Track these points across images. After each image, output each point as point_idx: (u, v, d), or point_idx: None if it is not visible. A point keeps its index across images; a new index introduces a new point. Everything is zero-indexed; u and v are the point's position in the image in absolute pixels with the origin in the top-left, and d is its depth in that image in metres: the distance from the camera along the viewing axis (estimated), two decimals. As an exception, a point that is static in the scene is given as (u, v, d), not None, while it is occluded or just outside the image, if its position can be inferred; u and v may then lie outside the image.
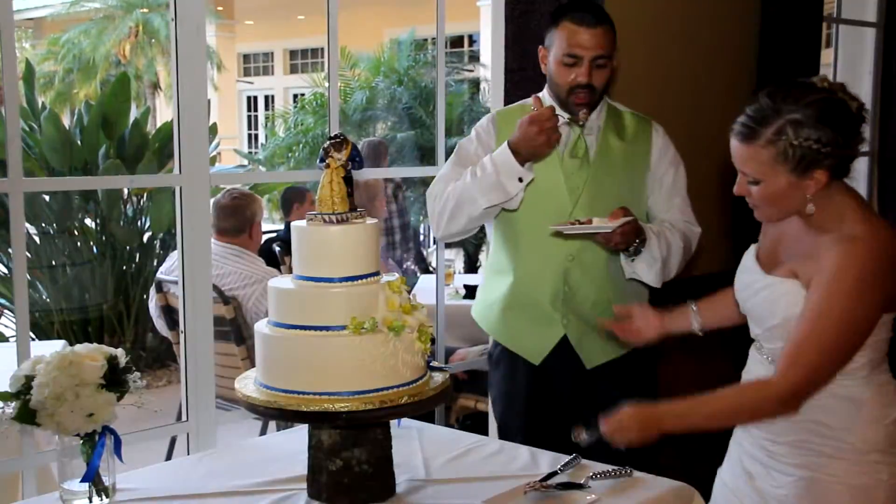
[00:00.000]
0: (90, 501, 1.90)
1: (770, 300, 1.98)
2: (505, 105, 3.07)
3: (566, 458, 2.09)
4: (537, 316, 2.55)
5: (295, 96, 19.09)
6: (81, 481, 1.89)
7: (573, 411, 2.42)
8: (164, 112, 17.25)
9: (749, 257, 2.09)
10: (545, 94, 2.56)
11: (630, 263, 2.46)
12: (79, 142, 6.86)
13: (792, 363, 1.86)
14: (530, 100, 2.46)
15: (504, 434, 2.65)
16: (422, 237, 8.99)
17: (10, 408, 1.87)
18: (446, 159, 3.20)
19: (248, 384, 1.94)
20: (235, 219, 4.05)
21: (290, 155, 10.84)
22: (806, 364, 1.85)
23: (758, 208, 1.97)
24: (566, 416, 2.35)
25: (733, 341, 2.34)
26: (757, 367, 2.06)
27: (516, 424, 2.62)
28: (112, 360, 1.91)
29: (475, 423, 4.03)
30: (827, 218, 1.90)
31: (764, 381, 1.94)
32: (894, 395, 2.00)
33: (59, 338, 6.10)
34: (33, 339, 4.43)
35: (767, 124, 1.86)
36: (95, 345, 1.94)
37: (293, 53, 21.43)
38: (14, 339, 4.09)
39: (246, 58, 22.34)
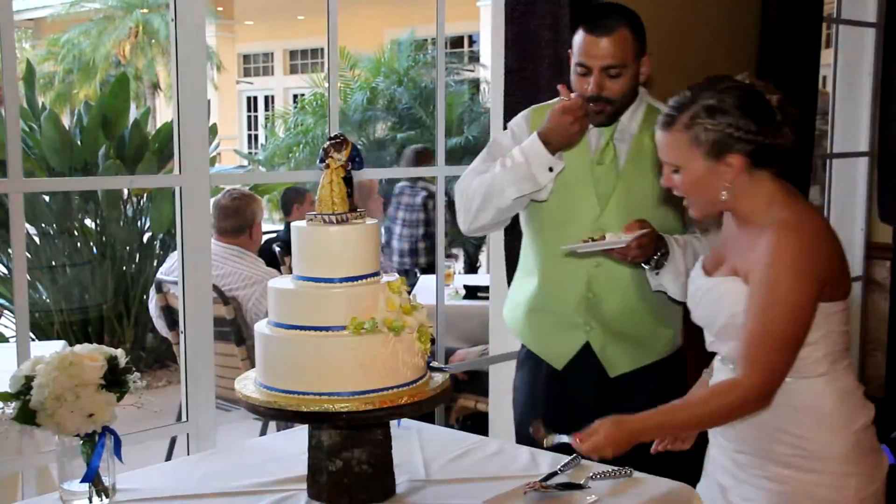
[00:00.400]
0: (90, 502, 1.90)
1: (713, 301, 2.00)
2: (505, 105, 3.07)
3: (566, 458, 2.09)
4: (561, 321, 2.51)
5: (295, 97, 19.10)
6: (81, 482, 1.89)
7: (593, 419, 2.36)
8: (163, 112, 17.26)
9: (696, 268, 2.12)
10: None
11: (654, 276, 2.38)
12: (79, 142, 6.86)
13: (751, 361, 1.86)
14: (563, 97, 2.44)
15: (522, 438, 2.57)
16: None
17: (10, 408, 1.87)
18: (446, 160, 3.21)
19: (248, 384, 1.94)
20: (235, 219, 4.05)
21: (290, 155, 10.84)
22: (763, 359, 1.86)
23: (688, 202, 2.00)
24: (586, 423, 2.28)
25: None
26: (722, 377, 2.05)
27: None
28: (112, 361, 1.91)
29: (475, 424, 4.03)
30: (755, 209, 1.94)
31: (730, 383, 1.91)
32: (860, 401, 1.99)
33: (59, 338, 6.10)
34: (33, 340, 4.43)
35: (684, 111, 1.91)
36: (95, 345, 1.93)
37: (293, 54, 21.43)
38: (14, 339, 4.08)
39: (246, 58, 22.35)
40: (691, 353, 2.37)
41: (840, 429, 1.94)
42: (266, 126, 16.95)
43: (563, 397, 2.53)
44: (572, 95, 2.39)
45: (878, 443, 2.01)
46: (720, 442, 2.07)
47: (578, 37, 2.37)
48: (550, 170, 2.37)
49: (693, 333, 2.24)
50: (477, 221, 2.49)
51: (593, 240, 2.27)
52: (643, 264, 2.35)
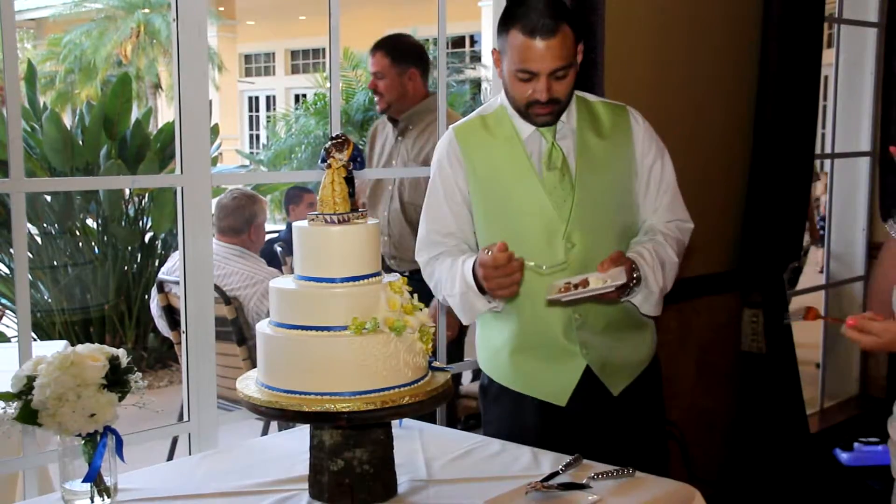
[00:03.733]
0: (92, 502, 1.90)
1: None
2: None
3: (568, 458, 2.09)
4: (553, 353, 2.35)
5: (296, 97, 19.11)
6: (83, 481, 1.89)
7: (597, 443, 2.27)
8: (165, 112, 17.28)
9: None
10: (503, 101, 2.37)
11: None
12: (80, 142, 6.88)
13: None
14: (488, 109, 2.37)
15: None
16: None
17: (12, 408, 1.87)
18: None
19: (249, 384, 1.94)
20: (234, 218, 4.05)
21: (292, 156, 10.85)
22: None
23: None
24: (589, 450, 2.17)
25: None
26: None
27: None
28: (114, 361, 1.91)
29: (477, 424, 4.03)
30: None
31: None
32: None
33: (61, 338, 6.11)
34: (35, 340, 4.44)
35: None
36: (97, 345, 1.93)
37: (294, 54, 21.45)
38: (16, 339, 4.09)
39: (247, 58, 22.37)
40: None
41: None
42: (268, 126, 16.97)
43: (559, 430, 2.36)
44: (505, 110, 2.33)
45: None
46: None
47: (515, 40, 2.19)
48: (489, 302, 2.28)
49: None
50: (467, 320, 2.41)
51: (575, 286, 2.10)
52: None
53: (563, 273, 2.26)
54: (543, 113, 2.26)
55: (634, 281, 2.21)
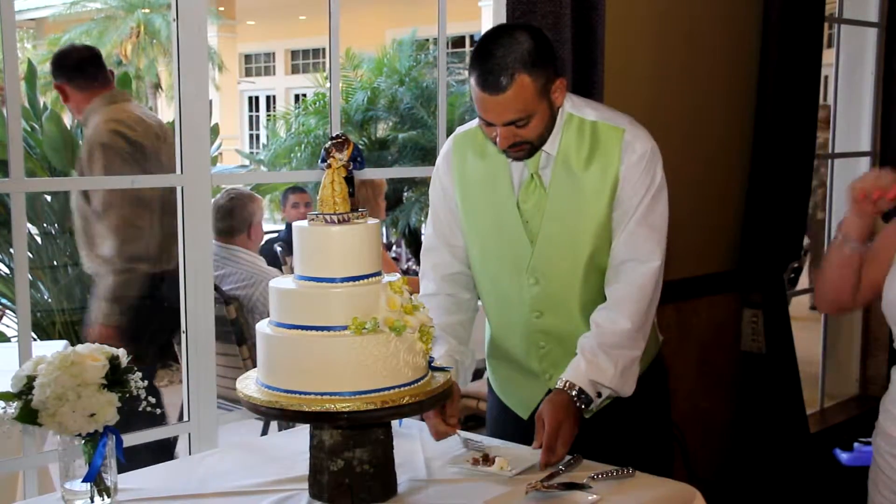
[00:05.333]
0: (92, 502, 1.90)
1: None
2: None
3: (568, 457, 2.09)
4: (519, 368, 2.35)
5: (297, 96, 19.11)
6: (83, 481, 1.89)
7: (599, 446, 2.21)
8: (165, 112, 17.26)
9: None
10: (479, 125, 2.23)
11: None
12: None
13: None
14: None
15: None
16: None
17: (12, 408, 1.87)
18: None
19: (249, 384, 1.94)
20: (231, 219, 4.05)
21: (292, 155, 10.84)
22: None
23: None
24: (591, 452, 2.14)
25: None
26: None
27: None
28: (114, 361, 1.91)
29: (477, 424, 4.03)
30: None
31: None
32: None
33: (61, 338, 6.10)
34: (35, 339, 4.43)
35: None
36: (97, 345, 1.94)
37: (294, 54, 21.45)
38: (16, 339, 4.09)
39: (247, 58, 22.37)
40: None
41: None
42: (268, 126, 16.97)
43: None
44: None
45: None
46: None
47: (472, 87, 2.09)
48: None
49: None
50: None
51: (476, 461, 2.09)
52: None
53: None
54: (513, 153, 2.16)
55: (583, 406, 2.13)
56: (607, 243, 2.21)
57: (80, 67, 3.44)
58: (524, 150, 2.15)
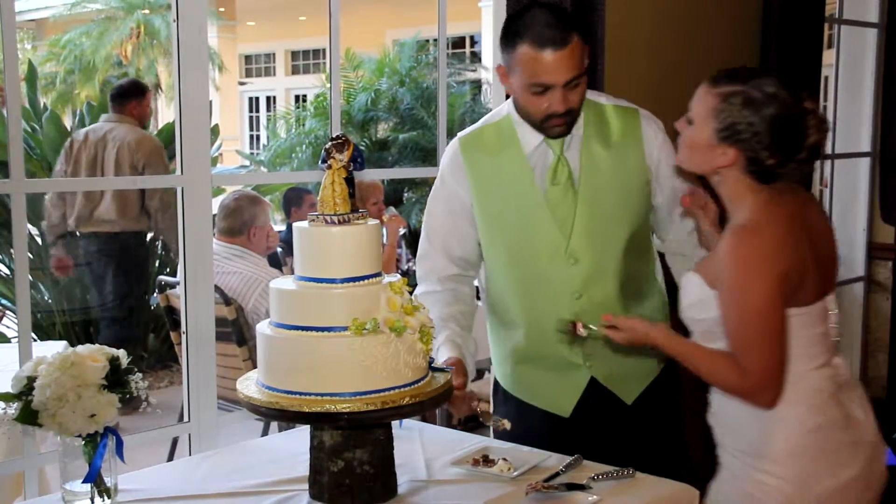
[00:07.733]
0: (92, 502, 1.91)
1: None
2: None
3: (568, 458, 2.09)
4: (557, 364, 2.33)
5: (297, 97, 19.11)
6: (83, 482, 1.89)
7: (609, 452, 2.21)
8: (165, 113, 17.26)
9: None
10: (511, 110, 2.31)
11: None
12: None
13: (742, 370, 1.88)
14: (494, 118, 2.33)
15: None
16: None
17: (12, 409, 1.87)
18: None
19: (249, 385, 1.94)
20: (235, 219, 4.05)
21: (293, 155, 10.83)
22: (752, 367, 1.87)
23: (680, 149, 2.03)
24: (600, 458, 2.14)
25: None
26: None
27: None
28: (114, 361, 1.91)
29: (477, 425, 4.03)
30: (731, 206, 1.98)
31: (735, 369, 1.90)
32: (824, 400, 1.97)
33: (61, 338, 6.10)
34: (35, 340, 4.43)
35: (732, 83, 1.96)
36: (97, 346, 1.94)
37: (295, 54, 21.44)
38: (16, 339, 4.09)
39: (248, 59, 22.35)
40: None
41: (789, 424, 1.93)
42: (268, 127, 16.97)
43: (567, 440, 2.29)
44: (512, 120, 2.29)
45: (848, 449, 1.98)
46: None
47: (524, 55, 2.12)
48: None
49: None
50: None
51: (476, 461, 2.12)
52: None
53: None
54: (560, 124, 2.20)
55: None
56: (640, 212, 2.32)
57: None
58: (568, 121, 2.21)
